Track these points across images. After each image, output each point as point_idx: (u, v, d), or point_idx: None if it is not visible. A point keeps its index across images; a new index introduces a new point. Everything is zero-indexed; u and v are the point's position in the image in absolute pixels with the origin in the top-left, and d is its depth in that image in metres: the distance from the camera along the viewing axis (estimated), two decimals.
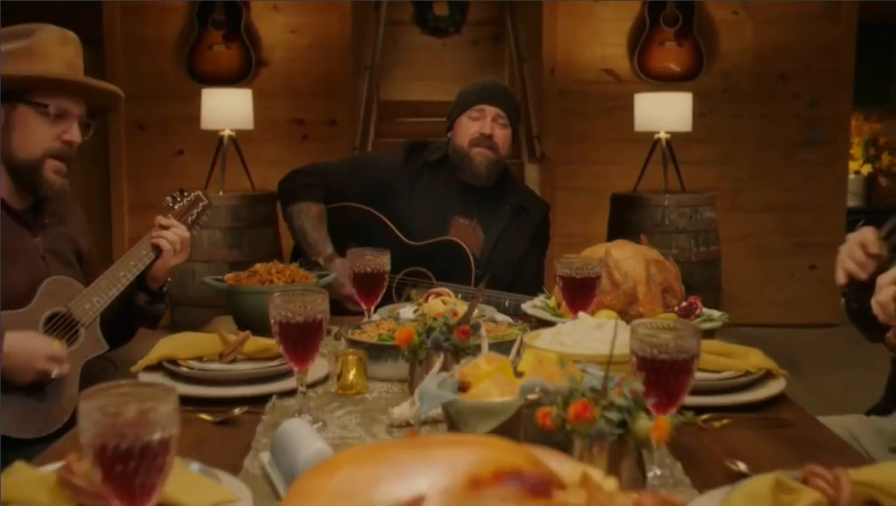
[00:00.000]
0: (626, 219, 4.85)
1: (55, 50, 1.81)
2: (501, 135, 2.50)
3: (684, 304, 1.93)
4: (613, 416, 0.99)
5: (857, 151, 8.39)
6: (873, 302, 1.45)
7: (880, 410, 1.87)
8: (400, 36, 8.61)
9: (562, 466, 0.69)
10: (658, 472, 1.13)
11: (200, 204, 2.00)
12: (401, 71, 8.44)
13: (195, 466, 1.07)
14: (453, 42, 8.73)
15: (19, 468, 1.03)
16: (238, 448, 1.27)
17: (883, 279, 1.45)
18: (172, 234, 1.88)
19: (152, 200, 5.32)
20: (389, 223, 2.46)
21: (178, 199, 1.98)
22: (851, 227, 1.79)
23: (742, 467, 1.12)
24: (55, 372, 1.63)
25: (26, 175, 1.77)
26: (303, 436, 1.09)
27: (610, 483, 0.67)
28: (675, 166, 4.98)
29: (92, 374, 1.81)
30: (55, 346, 1.66)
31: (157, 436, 0.80)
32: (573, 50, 5.56)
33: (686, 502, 1.02)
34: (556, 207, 5.60)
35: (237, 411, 1.40)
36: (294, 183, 2.53)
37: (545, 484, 0.65)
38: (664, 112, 4.89)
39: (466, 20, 8.66)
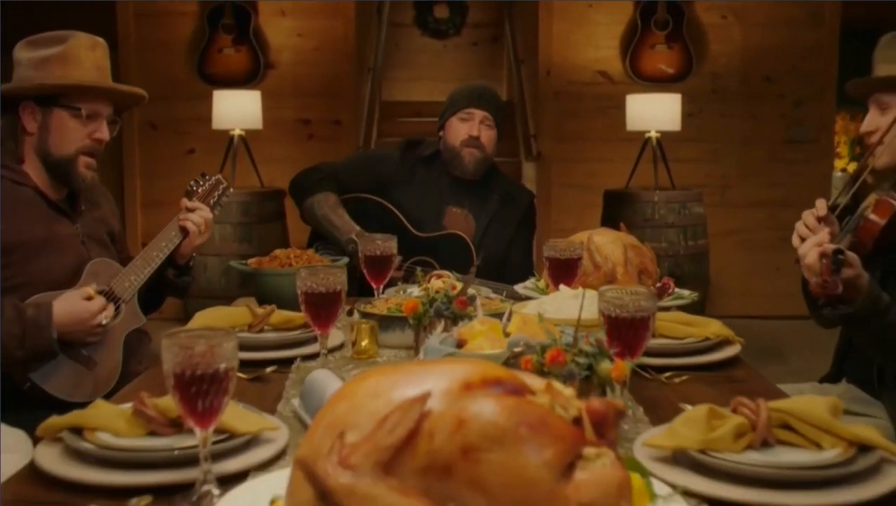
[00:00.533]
0: (618, 214, 5.08)
1: (86, 55, 2.03)
2: (488, 136, 2.76)
3: (659, 284, 2.16)
4: (582, 360, 1.23)
5: (843, 149, 8.62)
6: (803, 267, 1.70)
7: (831, 378, 2.10)
8: (401, 38, 8.84)
9: (532, 379, 0.93)
10: None
11: (221, 186, 2.23)
12: (402, 72, 8.67)
13: (241, 405, 1.30)
14: (453, 44, 8.96)
15: (100, 404, 1.27)
16: (270, 399, 1.50)
17: (805, 247, 1.70)
18: (197, 216, 2.12)
19: (164, 197, 5.57)
20: (400, 215, 2.71)
21: (201, 183, 2.21)
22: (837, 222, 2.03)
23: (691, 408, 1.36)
24: (105, 320, 1.87)
25: (61, 170, 2.00)
26: (329, 380, 1.32)
27: (568, 390, 0.91)
28: (665, 164, 5.21)
29: (131, 345, 2.05)
30: (92, 293, 1.87)
31: (222, 366, 1.04)
32: (568, 52, 5.79)
33: (642, 431, 1.25)
34: (552, 203, 5.84)
35: (268, 370, 1.64)
36: (307, 179, 2.78)
37: (519, 389, 0.88)
38: (654, 112, 5.13)
39: (466, 22, 8.89)
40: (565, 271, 1.93)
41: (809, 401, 1.18)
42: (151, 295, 2.15)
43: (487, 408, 0.84)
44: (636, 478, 0.97)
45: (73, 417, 1.23)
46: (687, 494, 1.04)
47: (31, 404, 1.81)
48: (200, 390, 1.03)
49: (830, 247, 1.67)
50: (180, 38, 5.73)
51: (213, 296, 5.20)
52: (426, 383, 0.88)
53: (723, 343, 1.76)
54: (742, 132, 5.82)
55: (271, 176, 5.39)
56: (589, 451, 0.88)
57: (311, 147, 5.77)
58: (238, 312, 1.86)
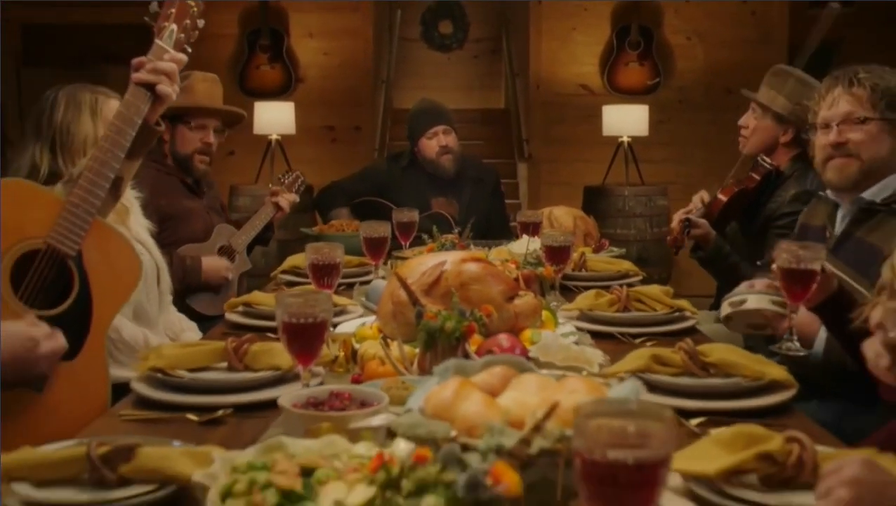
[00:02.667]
0: (595, 206, 6.04)
1: (200, 86, 3.03)
2: (452, 140, 3.78)
3: (598, 243, 3.14)
4: (528, 265, 2.20)
5: None
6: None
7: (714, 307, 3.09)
8: (409, 51, 9.81)
9: (494, 262, 1.92)
10: (555, 303, 2.34)
11: (300, 179, 3.23)
12: (410, 81, 9.62)
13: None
14: (456, 56, 9.94)
15: (256, 292, 2.24)
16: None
17: (675, 216, 2.69)
18: (287, 198, 3.11)
19: None
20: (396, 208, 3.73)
21: (287, 176, 3.21)
22: None
23: None
24: (230, 275, 2.85)
25: (184, 164, 3.01)
26: (382, 285, 2.29)
27: (513, 267, 1.89)
28: (635, 164, 6.18)
29: (241, 282, 3.03)
30: (225, 262, 2.88)
31: (337, 260, 2.00)
32: (555, 68, 6.76)
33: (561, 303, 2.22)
34: (541, 198, 6.81)
35: (339, 288, 2.62)
36: (326, 198, 3.90)
37: (488, 262, 1.87)
38: (626, 120, 6.11)
39: (468, 37, 9.85)
40: (531, 230, 2.90)
41: (653, 287, 2.16)
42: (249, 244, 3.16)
43: (472, 267, 1.82)
44: (548, 315, 1.95)
45: (245, 298, 2.20)
46: (578, 329, 2.01)
47: (190, 317, 2.79)
48: (326, 273, 1.98)
49: (684, 216, 2.67)
50: (223, 58, 6.70)
51: (255, 274, 6.18)
52: (444, 258, 1.86)
53: (630, 275, 2.73)
54: (705, 137, 6.77)
55: (303, 173, 6.36)
56: (522, 292, 1.87)
57: (334, 149, 6.75)
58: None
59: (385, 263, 2.97)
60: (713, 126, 6.76)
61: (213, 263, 2.86)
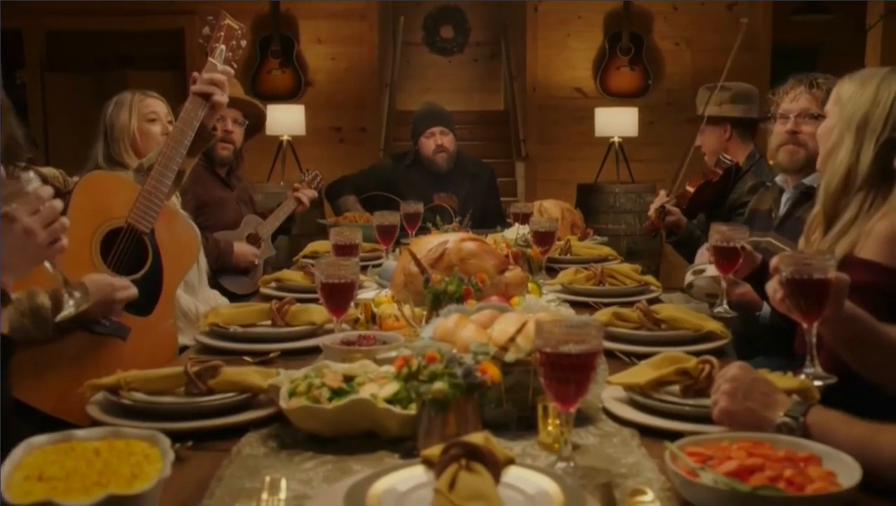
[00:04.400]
0: (588, 202, 6.42)
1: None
2: (448, 140, 4.18)
3: (583, 232, 3.51)
4: (519, 247, 2.58)
5: None
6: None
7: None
8: (412, 55, 10.17)
9: (490, 242, 2.30)
10: (542, 280, 2.72)
11: (318, 178, 3.62)
12: (413, 84, 9.99)
13: None
14: (457, 60, 10.30)
15: (286, 271, 2.61)
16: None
17: (652, 205, 3.07)
18: (307, 194, 3.49)
19: None
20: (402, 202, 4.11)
21: (307, 175, 3.60)
22: None
23: None
24: (256, 260, 3.24)
25: (208, 152, 3.36)
26: (394, 264, 2.67)
27: (504, 246, 2.27)
28: (626, 163, 6.56)
29: (266, 266, 3.42)
30: (253, 249, 3.26)
31: (356, 241, 2.37)
32: (550, 72, 7.14)
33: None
34: (537, 195, 7.16)
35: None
36: (336, 187, 4.31)
37: (483, 242, 2.25)
38: (617, 122, 6.49)
39: (468, 42, 10.21)
40: (522, 220, 3.28)
41: (625, 265, 2.54)
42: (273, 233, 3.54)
43: (470, 245, 2.19)
44: (534, 286, 2.32)
45: (276, 274, 2.57)
46: (560, 301, 2.39)
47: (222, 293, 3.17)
48: (347, 251, 2.36)
49: (660, 205, 3.06)
50: (237, 62, 7.07)
51: (271, 264, 6.60)
52: (447, 238, 2.23)
53: (611, 259, 3.10)
54: (692, 138, 7.12)
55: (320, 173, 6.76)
56: (511, 267, 2.24)
57: (342, 149, 7.13)
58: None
59: (394, 249, 3.36)
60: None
61: (242, 249, 3.25)
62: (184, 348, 1.97)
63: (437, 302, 1.90)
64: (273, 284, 2.58)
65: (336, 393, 1.29)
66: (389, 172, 4.31)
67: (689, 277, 2.31)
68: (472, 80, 10.18)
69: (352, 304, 1.82)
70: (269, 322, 2.00)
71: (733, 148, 3.34)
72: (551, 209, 3.48)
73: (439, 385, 1.16)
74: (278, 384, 1.34)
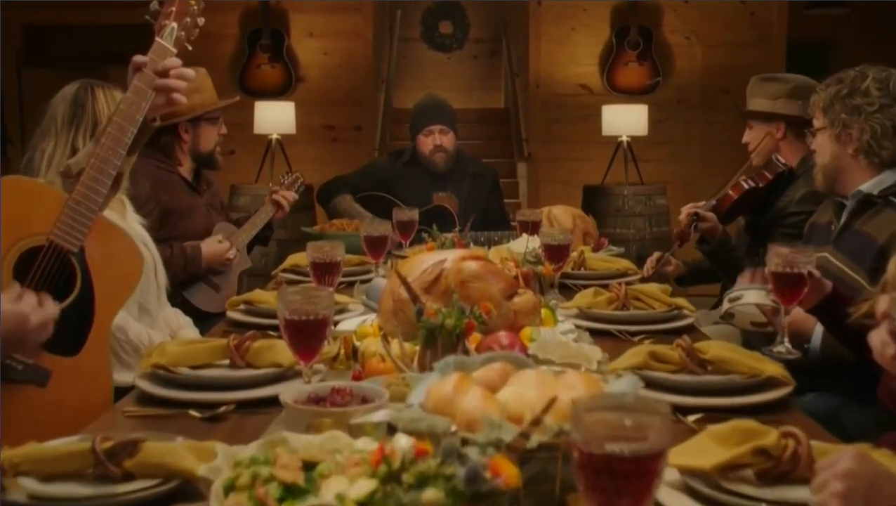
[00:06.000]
0: (594, 205, 6.06)
1: (207, 83, 3.06)
2: (447, 140, 3.80)
3: (597, 242, 3.15)
4: (529, 264, 2.22)
5: None
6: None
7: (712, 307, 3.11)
8: (410, 51, 9.82)
9: (494, 260, 1.93)
10: (554, 301, 2.35)
11: (299, 180, 3.25)
12: (411, 82, 9.63)
13: None
14: (456, 57, 9.95)
15: (258, 291, 2.25)
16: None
17: (683, 210, 2.71)
18: (286, 197, 3.12)
19: None
20: (400, 203, 3.72)
21: (287, 177, 3.22)
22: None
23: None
24: (232, 254, 2.87)
25: (207, 160, 3.02)
26: (383, 283, 2.31)
27: (512, 265, 1.91)
28: (634, 163, 6.19)
29: (240, 280, 3.04)
30: (224, 245, 2.89)
31: (337, 258, 2.01)
32: (554, 68, 6.78)
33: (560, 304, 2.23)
34: (540, 197, 6.82)
35: (340, 285, 2.63)
36: (329, 188, 3.93)
37: (487, 261, 1.88)
38: (625, 120, 6.13)
39: (468, 38, 9.86)
40: (529, 229, 2.91)
41: (651, 286, 2.17)
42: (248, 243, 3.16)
43: (472, 265, 1.83)
44: (548, 312, 1.96)
45: (247, 295, 2.21)
46: (577, 327, 2.02)
47: (187, 313, 2.79)
48: (326, 271, 2.00)
49: (693, 210, 2.69)
50: (224, 57, 6.72)
51: (255, 274, 6.21)
52: (444, 256, 1.87)
53: (629, 274, 2.74)
54: (702, 136, 6.79)
55: (302, 173, 6.35)
56: (521, 290, 1.88)
57: (335, 149, 6.76)
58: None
59: (385, 262, 2.99)
60: (710, 125, 6.79)
61: (211, 249, 2.88)
62: (131, 390, 1.60)
63: (431, 339, 1.54)
64: (242, 307, 2.21)
65: (289, 491, 0.93)
66: (386, 170, 3.96)
67: (725, 305, 1.95)
68: (472, 77, 9.84)
69: (325, 343, 1.45)
70: (226, 362, 1.63)
71: (785, 149, 2.94)
72: (561, 216, 3.12)
73: (431, 494, 0.80)
74: (211, 476, 0.98)
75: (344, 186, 3.87)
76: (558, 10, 6.72)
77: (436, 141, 3.80)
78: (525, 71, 7.04)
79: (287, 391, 1.29)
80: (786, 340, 1.74)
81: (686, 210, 2.84)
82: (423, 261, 1.85)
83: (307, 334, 1.39)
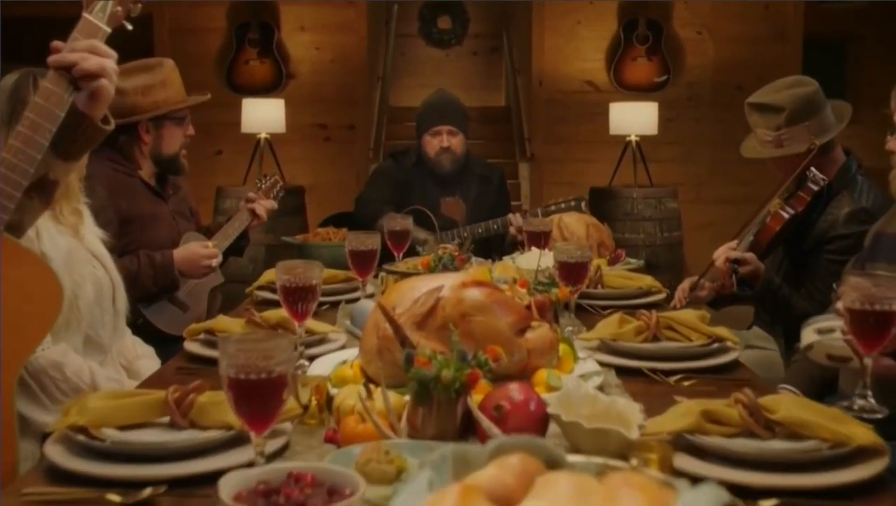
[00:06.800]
0: (601, 209, 5.72)
1: (174, 77, 2.71)
2: (455, 142, 3.46)
3: (613, 254, 2.81)
4: (540, 287, 1.88)
5: None
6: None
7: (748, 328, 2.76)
8: (407, 48, 9.49)
9: (502, 285, 1.59)
10: (570, 328, 2.01)
11: (278, 184, 2.90)
12: (408, 79, 9.31)
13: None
14: (455, 53, 9.62)
15: (221, 317, 1.92)
16: (327, 323, 2.14)
17: (718, 252, 2.37)
18: (263, 206, 2.78)
19: (196, 193, 6.21)
20: (428, 212, 3.40)
21: (264, 181, 2.88)
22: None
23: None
24: (214, 263, 2.52)
25: (170, 164, 2.67)
26: (370, 306, 1.97)
27: (523, 290, 1.56)
28: (644, 164, 5.86)
29: (211, 297, 2.70)
30: (209, 245, 2.55)
31: (313, 281, 1.67)
32: (558, 64, 6.44)
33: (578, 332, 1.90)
34: (544, 200, 6.48)
35: (323, 308, 2.29)
36: (366, 213, 3.38)
37: (494, 287, 1.53)
38: (634, 118, 5.78)
39: (467, 33, 9.53)
40: (538, 241, 2.57)
41: (687, 313, 1.84)
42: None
43: (475, 293, 1.49)
44: (566, 347, 1.62)
45: (206, 324, 1.87)
46: (600, 363, 1.68)
47: (143, 336, 2.43)
48: (299, 297, 1.66)
49: (734, 255, 2.35)
50: (210, 52, 6.38)
51: (243, 280, 5.86)
52: (441, 281, 1.53)
53: (653, 292, 2.41)
54: (714, 136, 6.46)
55: (293, 174, 6.06)
56: (535, 323, 1.54)
57: (328, 149, 6.43)
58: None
59: (376, 277, 2.65)
60: (722, 124, 6.45)
61: (187, 253, 2.54)
62: None
63: (424, 395, 1.20)
64: (201, 337, 1.88)
65: None
66: (395, 171, 3.58)
67: (809, 336, 1.62)
68: (472, 74, 9.51)
69: (283, 406, 1.11)
70: (167, 420, 1.29)
71: (824, 161, 2.52)
72: (574, 226, 2.79)
73: None
74: None
75: (380, 205, 3.38)
76: (563, 3, 6.38)
77: (443, 143, 3.46)
78: (527, 67, 6.70)
79: (228, 478, 0.95)
80: (869, 393, 1.40)
81: (721, 256, 2.43)
82: (415, 288, 1.51)
83: (258, 398, 1.05)
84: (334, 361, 1.65)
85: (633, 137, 5.84)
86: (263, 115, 5.85)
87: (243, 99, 5.90)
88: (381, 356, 1.46)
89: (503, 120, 7.74)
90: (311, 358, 1.74)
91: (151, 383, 1.66)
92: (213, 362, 1.69)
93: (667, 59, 6.33)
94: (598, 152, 6.27)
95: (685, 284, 2.62)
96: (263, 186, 2.88)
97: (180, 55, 6.66)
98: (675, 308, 2.52)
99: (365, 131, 6.52)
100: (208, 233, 2.77)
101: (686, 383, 1.62)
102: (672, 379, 1.64)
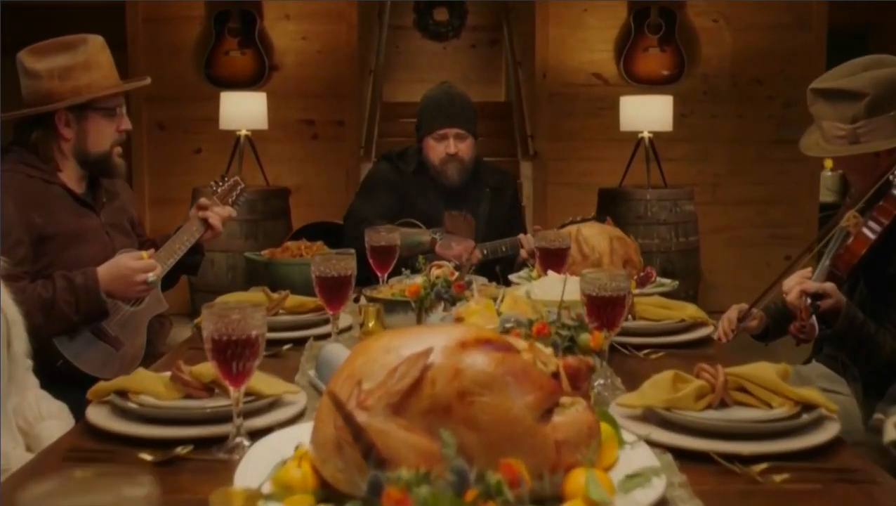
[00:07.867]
0: (611, 211, 5.23)
1: (103, 57, 2.19)
2: (464, 147, 2.91)
3: (642, 273, 2.34)
4: (564, 332, 1.40)
5: None
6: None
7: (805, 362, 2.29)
8: (401, 40, 9.02)
9: (517, 341, 1.10)
10: (602, 382, 1.55)
11: (238, 187, 2.40)
12: (402, 74, 8.85)
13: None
14: (453, 46, 9.15)
15: (140, 372, 1.44)
16: (287, 372, 1.67)
17: (789, 282, 1.89)
18: (217, 213, 2.28)
19: (172, 194, 5.75)
20: (419, 224, 2.88)
21: (220, 183, 2.38)
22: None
23: None
24: (151, 277, 2.03)
25: (100, 165, 2.18)
26: (341, 351, 1.50)
27: (548, 350, 1.08)
28: (657, 163, 5.38)
29: (154, 329, 2.22)
30: (143, 256, 2.06)
31: (253, 333, 1.21)
32: (563, 55, 5.96)
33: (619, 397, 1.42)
34: (548, 201, 6.02)
35: (284, 347, 1.82)
36: (354, 232, 2.66)
37: (506, 347, 1.06)
38: (647, 113, 5.30)
39: (465, 25, 9.08)
40: (554, 260, 2.10)
41: (762, 367, 1.36)
42: (167, 276, 2.29)
43: (479, 360, 1.01)
44: (607, 427, 1.15)
45: (119, 382, 1.40)
46: (651, 443, 1.21)
47: (64, 381, 1.95)
48: (234, 354, 1.20)
49: (812, 287, 1.86)
50: (187, 41, 5.90)
51: (220, 291, 5.37)
52: (429, 341, 1.05)
53: (698, 325, 1.94)
54: (732, 132, 5.99)
55: (276, 175, 5.58)
56: (565, 399, 1.06)
57: (315, 147, 5.95)
58: (255, 297, 2.03)
59: (356, 301, 2.18)
60: (740, 120, 6.00)
61: (115, 269, 2.02)
62: None
63: None
64: (110, 398, 1.39)
65: None
66: (394, 177, 2.98)
67: (893, 433, 1.18)
68: (470, 68, 9.06)
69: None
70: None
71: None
72: (594, 239, 2.31)
73: None
74: None
75: (374, 220, 2.72)
76: None
77: (449, 149, 2.89)
78: (530, 59, 6.23)
79: None
80: None
81: (795, 289, 1.92)
82: (391, 350, 1.03)
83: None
84: (287, 444, 1.17)
85: (645, 134, 5.37)
86: (243, 109, 5.38)
87: (221, 92, 5.42)
88: (341, 454, 0.99)
89: (504, 116, 7.27)
90: (255, 434, 1.27)
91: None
92: (122, 440, 1.25)
93: (681, 50, 5.87)
94: (607, 150, 5.81)
95: (731, 314, 2.15)
96: (219, 189, 2.37)
97: (155, 46, 6.20)
98: (719, 340, 2.06)
99: (355, 128, 6.05)
100: (156, 248, 2.28)
101: (777, 478, 1.15)
102: (756, 468, 1.17)
